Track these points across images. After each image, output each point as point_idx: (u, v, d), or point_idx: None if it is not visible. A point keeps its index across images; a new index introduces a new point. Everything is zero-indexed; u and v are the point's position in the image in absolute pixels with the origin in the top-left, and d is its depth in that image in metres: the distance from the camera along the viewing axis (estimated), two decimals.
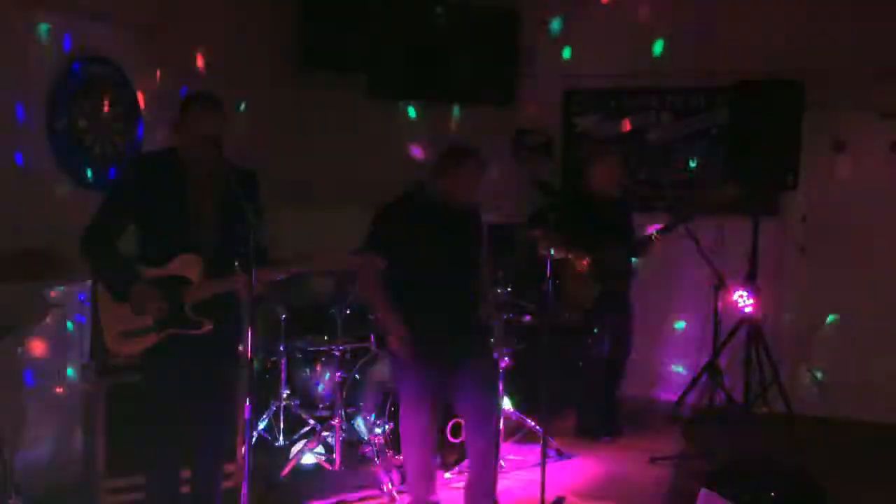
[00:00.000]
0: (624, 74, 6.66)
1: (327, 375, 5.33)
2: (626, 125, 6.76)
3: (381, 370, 5.07)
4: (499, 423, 4.24)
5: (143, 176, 3.54)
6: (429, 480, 4.23)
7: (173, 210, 3.45)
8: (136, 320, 3.43)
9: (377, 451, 4.74)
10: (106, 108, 4.90)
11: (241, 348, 3.63)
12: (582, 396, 5.78)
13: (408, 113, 6.99)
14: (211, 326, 3.46)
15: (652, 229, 5.57)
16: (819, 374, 6.36)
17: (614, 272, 5.54)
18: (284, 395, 5.26)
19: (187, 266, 3.44)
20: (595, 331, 5.56)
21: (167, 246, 3.46)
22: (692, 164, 6.61)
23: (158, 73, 5.24)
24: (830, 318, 6.39)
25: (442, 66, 6.62)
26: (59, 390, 4.55)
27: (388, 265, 3.93)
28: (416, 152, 6.92)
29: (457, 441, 4.81)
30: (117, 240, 3.51)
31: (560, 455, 5.27)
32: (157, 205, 3.45)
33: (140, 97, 5.10)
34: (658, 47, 6.59)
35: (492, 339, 4.19)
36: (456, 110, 6.92)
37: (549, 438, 5.17)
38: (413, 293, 4.02)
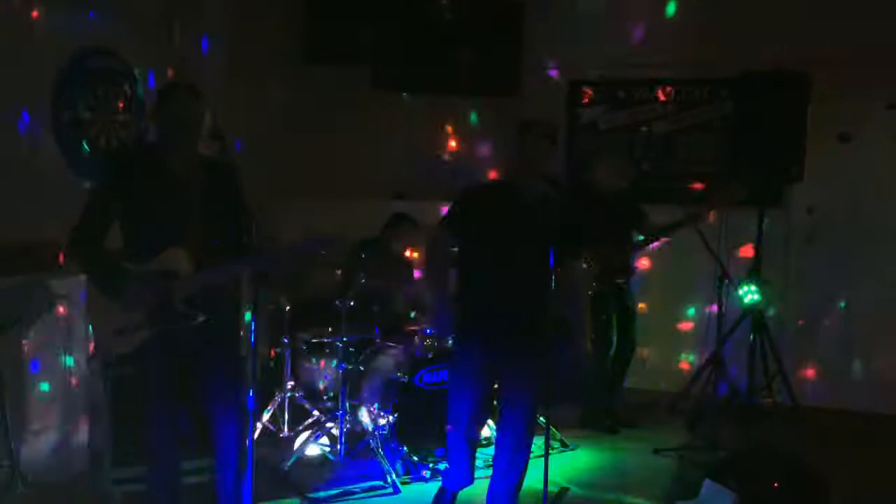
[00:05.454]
0: (629, 65, 6.65)
1: (331, 367, 5.35)
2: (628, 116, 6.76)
3: (385, 361, 5.08)
4: (531, 423, 4.09)
5: (121, 172, 3.50)
6: (467, 465, 4.16)
7: (154, 204, 3.39)
8: (126, 318, 3.38)
9: (381, 442, 4.75)
10: (111, 101, 4.91)
11: (237, 339, 3.62)
12: (586, 388, 5.78)
13: (412, 104, 6.96)
14: (203, 318, 3.41)
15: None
16: None
17: (615, 266, 5.53)
18: (289, 387, 5.29)
19: (174, 260, 3.38)
20: (597, 323, 5.56)
21: (152, 241, 3.39)
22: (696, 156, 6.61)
23: (163, 66, 5.24)
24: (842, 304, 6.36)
25: (446, 57, 6.61)
26: (64, 382, 4.56)
27: (460, 246, 3.97)
28: (421, 144, 6.93)
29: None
30: (104, 238, 3.44)
31: (564, 447, 5.28)
32: (137, 200, 3.39)
33: (145, 90, 5.11)
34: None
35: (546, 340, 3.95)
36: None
37: (553, 430, 5.19)
38: (475, 278, 4.01)
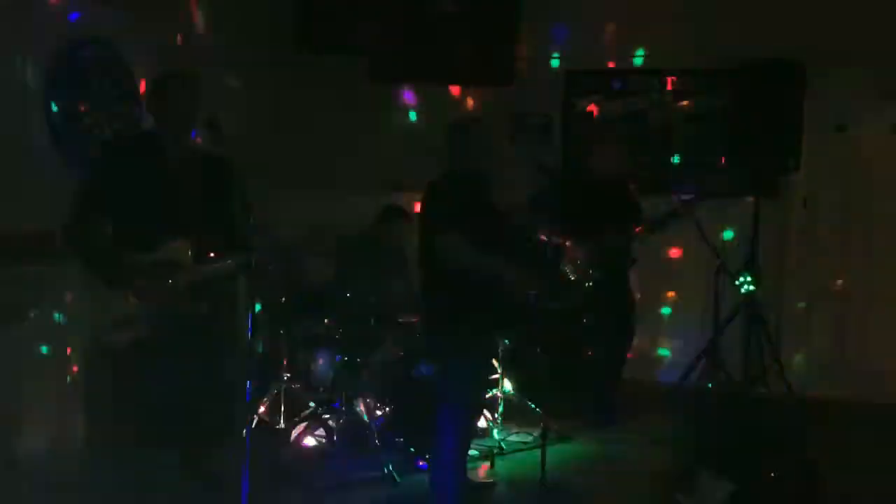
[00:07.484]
0: (626, 56, 6.63)
1: (328, 358, 5.35)
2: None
3: (382, 353, 5.07)
4: None
5: (117, 161, 3.45)
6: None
7: (151, 194, 3.35)
8: (126, 309, 3.33)
9: (378, 434, 4.75)
10: (105, 90, 4.87)
11: (234, 330, 3.61)
12: (583, 379, 5.79)
13: (407, 95, 6.95)
14: (206, 310, 3.41)
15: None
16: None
17: (613, 256, 5.52)
18: (285, 378, 5.28)
19: (176, 252, 3.37)
20: (595, 315, 5.56)
21: (145, 232, 3.35)
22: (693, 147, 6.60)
23: (157, 54, 5.21)
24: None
25: (442, 47, 6.59)
26: (61, 372, 4.55)
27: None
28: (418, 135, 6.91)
29: None
30: (102, 227, 3.40)
31: (560, 437, 5.28)
32: (134, 189, 3.34)
33: (138, 79, 5.08)
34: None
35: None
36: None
37: (549, 420, 5.19)
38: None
